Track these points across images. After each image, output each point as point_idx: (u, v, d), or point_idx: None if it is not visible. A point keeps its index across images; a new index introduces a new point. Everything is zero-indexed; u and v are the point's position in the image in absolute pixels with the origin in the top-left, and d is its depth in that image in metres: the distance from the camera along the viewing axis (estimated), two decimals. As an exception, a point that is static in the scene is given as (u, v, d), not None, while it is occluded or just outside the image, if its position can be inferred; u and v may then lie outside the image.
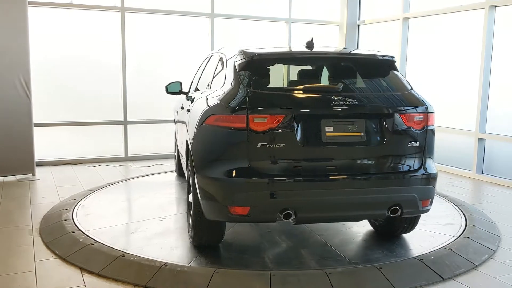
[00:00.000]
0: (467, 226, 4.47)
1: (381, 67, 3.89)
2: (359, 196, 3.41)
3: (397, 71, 3.89)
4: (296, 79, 4.23)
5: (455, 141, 7.45)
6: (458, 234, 4.26)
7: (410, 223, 4.03)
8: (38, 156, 6.71)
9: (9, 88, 6.25)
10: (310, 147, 3.36)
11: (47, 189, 5.84)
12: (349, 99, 3.41)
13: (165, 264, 3.51)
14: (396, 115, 3.49)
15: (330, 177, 3.37)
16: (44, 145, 7.07)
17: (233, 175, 3.28)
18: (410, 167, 3.52)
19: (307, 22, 9.12)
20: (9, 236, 4.24)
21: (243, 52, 3.67)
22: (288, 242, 4.07)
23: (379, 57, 3.96)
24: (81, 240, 4.00)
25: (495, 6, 6.61)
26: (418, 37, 8.12)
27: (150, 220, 4.60)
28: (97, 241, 3.97)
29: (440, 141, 7.60)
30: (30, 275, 3.44)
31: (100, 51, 7.69)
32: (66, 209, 4.83)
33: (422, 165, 3.53)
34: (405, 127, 3.51)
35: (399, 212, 3.44)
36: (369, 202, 3.44)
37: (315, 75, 4.26)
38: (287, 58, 4.11)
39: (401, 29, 8.22)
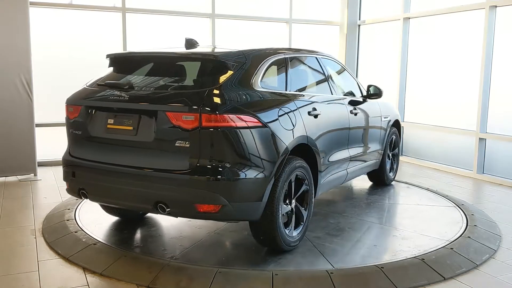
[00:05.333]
0: (468, 226, 4.49)
1: (209, 66, 3.70)
2: (126, 187, 3.56)
3: (229, 69, 3.61)
4: (124, 75, 4.00)
5: (455, 141, 7.47)
6: (459, 234, 4.27)
7: (264, 236, 3.70)
8: (40, 156, 6.71)
9: (10, 88, 6.27)
10: (96, 136, 3.78)
11: (49, 189, 5.86)
12: (123, 95, 3.62)
13: (168, 264, 3.52)
14: (163, 113, 3.37)
15: (108, 165, 3.65)
16: (46, 145, 7.07)
17: (64, 155, 4.03)
18: (178, 167, 3.34)
19: (308, 22, 9.13)
20: (11, 236, 4.26)
21: None
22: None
23: (206, 56, 3.80)
24: (83, 240, 4.01)
25: (496, 6, 6.63)
26: (418, 37, 8.14)
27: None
28: (100, 241, 3.98)
29: (441, 141, 7.70)
30: (33, 275, 3.46)
31: (102, 51, 7.65)
32: (69, 209, 4.84)
33: (196, 167, 3.30)
34: (173, 125, 3.35)
35: (167, 210, 3.40)
36: (134, 194, 3.54)
37: (141, 73, 4.01)
38: (123, 59, 4.12)
39: (401, 29, 8.24)
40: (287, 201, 3.81)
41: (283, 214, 3.74)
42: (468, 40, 7.20)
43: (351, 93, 5.34)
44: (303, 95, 4.25)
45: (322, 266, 3.57)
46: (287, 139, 3.70)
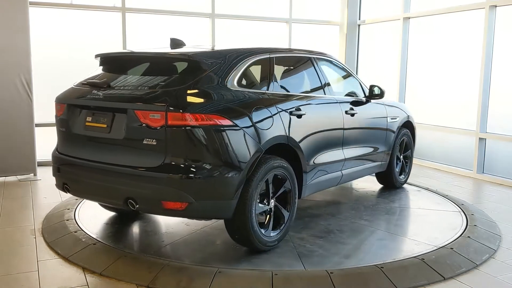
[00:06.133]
0: (468, 226, 4.48)
1: (183, 65, 3.76)
2: (101, 183, 3.69)
3: (202, 68, 3.64)
4: (106, 75, 4.11)
5: (456, 141, 7.47)
6: (459, 234, 4.27)
7: (238, 235, 3.71)
8: (40, 156, 6.70)
9: (10, 88, 6.26)
10: (76, 134, 3.89)
11: (49, 189, 5.84)
12: (99, 94, 3.74)
13: (168, 264, 3.52)
14: (132, 112, 3.46)
15: (86, 161, 3.77)
16: (46, 145, 7.06)
17: (52, 151, 4.16)
18: (146, 164, 3.42)
19: (308, 22, 9.13)
20: (11, 236, 4.26)
21: None
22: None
23: (180, 56, 3.88)
24: (83, 239, 4.02)
25: (496, 6, 6.63)
26: (418, 37, 8.14)
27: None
28: (99, 241, 3.99)
29: (441, 141, 7.69)
30: (32, 275, 3.45)
31: (102, 51, 7.68)
32: (68, 209, 4.84)
33: (162, 164, 3.36)
34: (141, 124, 3.42)
35: (136, 207, 3.48)
36: (107, 190, 3.67)
37: (121, 72, 4.05)
38: (106, 59, 4.21)
39: (401, 29, 8.24)
40: (265, 201, 3.80)
41: (261, 214, 3.76)
42: (468, 40, 7.20)
43: (353, 94, 5.27)
44: (286, 95, 4.19)
45: (295, 267, 3.54)
46: (261, 139, 3.68)
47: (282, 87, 4.28)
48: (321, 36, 9.49)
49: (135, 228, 4.47)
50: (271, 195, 3.84)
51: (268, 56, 4.21)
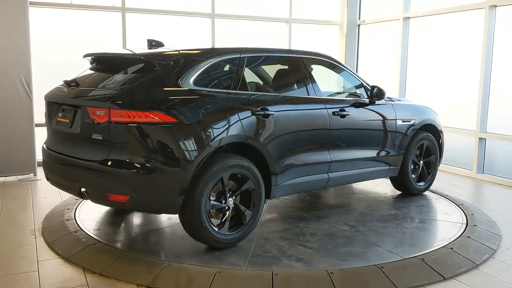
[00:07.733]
0: (467, 226, 4.48)
1: (139, 65, 3.93)
2: (63, 174, 4.00)
3: (155, 68, 3.77)
4: (82, 74, 4.33)
5: (456, 141, 7.47)
6: (459, 234, 4.27)
7: (190, 231, 3.77)
8: (40, 156, 6.68)
9: (10, 88, 6.27)
10: (51, 128, 4.20)
11: (49, 189, 5.78)
12: (66, 91, 4.00)
13: (168, 264, 3.52)
14: (85, 108, 3.70)
15: (57, 154, 4.04)
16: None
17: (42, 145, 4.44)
18: (94, 157, 3.62)
19: (307, 22, 9.13)
20: (11, 236, 4.26)
21: None
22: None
23: (136, 56, 4.05)
24: (83, 240, 4.02)
25: (496, 6, 6.63)
26: (418, 37, 8.14)
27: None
28: (99, 241, 3.98)
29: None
30: (33, 275, 3.46)
31: (101, 51, 7.68)
32: (68, 209, 4.84)
33: (106, 158, 3.57)
34: (91, 120, 3.64)
35: (88, 197, 3.74)
36: (67, 181, 3.98)
37: (92, 71, 4.26)
38: (92, 59, 4.31)
39: (401, 29, 8.24)
40: (221, 199, 3.80)
41: (219, 211, 3.82)
42: (468, 39, 7.20)
43: (354, 95, 5.14)
44: (250, 95, 4.10)
45: (239, 266, 3.53)
46: (210, 138, 3.67)
47: (251, 87, 4.25)
48: (321, 36, 9.50)
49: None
50: (228, 193, 3.83)
51: (239, 56, 4.19)
